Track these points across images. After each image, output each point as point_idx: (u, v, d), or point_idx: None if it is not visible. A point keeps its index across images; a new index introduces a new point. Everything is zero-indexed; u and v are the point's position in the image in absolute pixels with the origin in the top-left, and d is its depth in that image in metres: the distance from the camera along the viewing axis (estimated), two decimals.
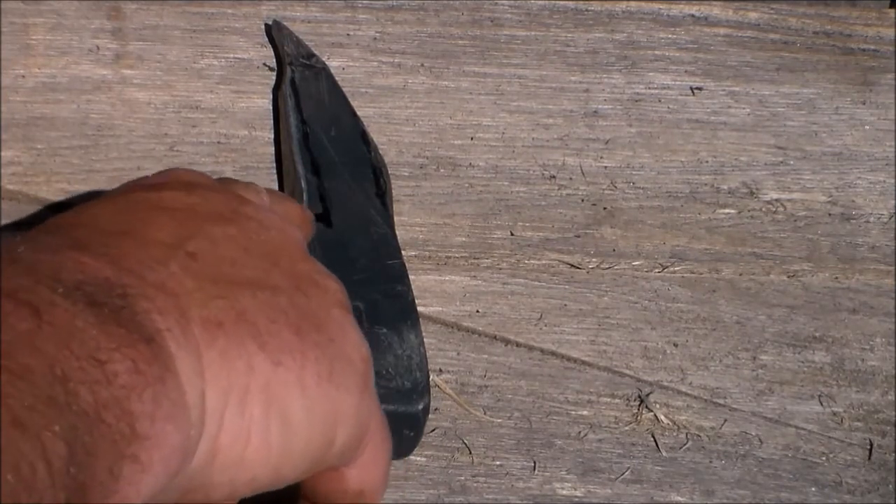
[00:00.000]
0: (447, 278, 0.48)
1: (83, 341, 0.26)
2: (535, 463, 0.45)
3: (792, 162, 0.53)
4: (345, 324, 0.33)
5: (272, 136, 0.49)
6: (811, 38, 0.55)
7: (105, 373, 0.26)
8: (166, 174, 0.35)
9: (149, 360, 0.27)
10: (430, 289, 0.47)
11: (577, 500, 0.44)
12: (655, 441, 0.46)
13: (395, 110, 0.51)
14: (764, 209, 0.51)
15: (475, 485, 0.44)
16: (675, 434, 0.46)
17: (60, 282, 0.27)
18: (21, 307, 0.26)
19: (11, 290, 0.26)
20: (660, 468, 0.45)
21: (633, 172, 0.51)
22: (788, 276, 0.50)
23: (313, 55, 0.50)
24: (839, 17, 0.56)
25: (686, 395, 0.47)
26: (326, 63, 0.50)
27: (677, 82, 0.53)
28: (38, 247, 0.29)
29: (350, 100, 0.49)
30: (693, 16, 0.55)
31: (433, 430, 0.45)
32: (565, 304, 0.48)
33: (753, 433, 0.47)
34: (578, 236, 0.50)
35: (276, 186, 0.48)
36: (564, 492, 0.44)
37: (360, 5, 0.52)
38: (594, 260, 0.49)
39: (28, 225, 0.46)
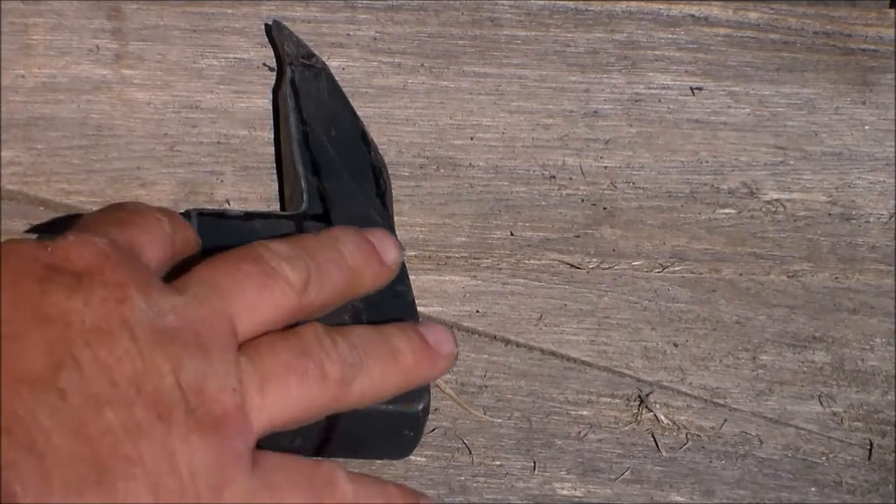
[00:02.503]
0: (447, 278, 0.48)
1: None
2: (535, 463, 0.45)
3: (792, 162, 0.53)
4: (198, 452, 0.33)
5: (272, 136, 0.49)
6: (811, 38, 0.56)
7: None
8: (62, 249, 0.34)
9: None
10: (430, 289, 0.47)
11: (577, 500, 0.44)
12: (655, 441, 0.46)
13: (395, 110, 0.51)
14: (764, 209, 0.51)
15: (475, 485, 0.44)
16: (675, 434, 0.46)
17: None
18: None
19: None
20: (660, 468, 0.45)
21: (633, 172, 0.51)
22: (788, 276, 0.50)
23: (313, 55, 0.50)
24: (839, 17, 0.56)
25: (686, 395, 0.47)
26: (326, 63, 0.50)
27: (677, 82, 0.54)
28: None
29: (350, 100, 0.49)
30: (693, 16, 0.55)
31: (433, 430, 0.45)
32: (565, 304, 0.48)
33: (753, 433, 0.47)
34: (578, 236, 0.50)
35: (276, 186, 0.48)
36: (564, 492, 0.44)
37: (360, 5, 0.52)
38: (594, 260, 0.49)
39: (28, 225, 0.46)
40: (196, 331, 0.34)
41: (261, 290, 0.36)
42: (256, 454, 0.35)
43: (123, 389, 0.32)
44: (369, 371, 0.37)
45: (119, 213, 0.38)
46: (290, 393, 0.36)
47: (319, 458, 0.37)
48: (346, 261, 0.39)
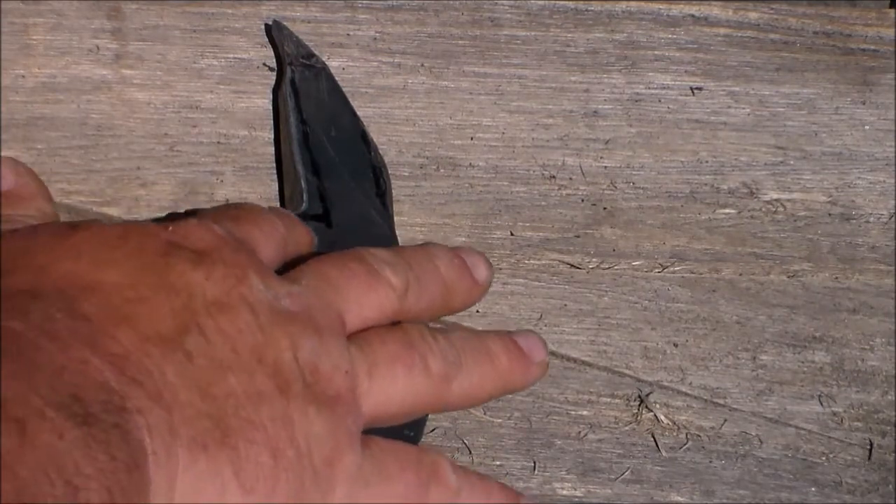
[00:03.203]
0: None
1: (62, 465, 0.26)
2: (535, 463, 0.45)
3: (792, 162, 0.53)
4: (315, 424, 0.34)
5: (272, 136, 0.49)
6: (811, 38, 0.55)
7: (77, 499, 0.26)
8: (183, 229, 0.35)
9: (125, 489, 0.27)
10: None
11: (577, 500, 0.44)
12: (655, 441, 0.46)
13: (395, 110, 0.51)
14: (764, 209, 0.51)
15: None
16: (675, 434, 0.46)
17: (56, 390, 0.28)
18: (7, 422, 0.26)
19: (2, 401, 0.26)
20: (660, 468, 0.45)
21: (633, 172, 0.51)
22: (788, 276, 0.50)
23: (313, 55, 0.50)
24: (839, 17, 0.56)
25: (686, 395, 0.47)
26: (326, 63, 0.50)
27: (677, 82, 0.54)
28: (49, 330, 0.29)
29: (350, 100, 0.49)
30: (693, 16, 0.55)
31: (433, 430, 0.45)
32: (565, 304, 0.48)
33: (753, 433, 0.47)
34: (578, 236, 0.50)
35: (276, 187, 0.48)
36: (564, 492, 0.44)
37: (360, 5, 0.52)
38: (594, 260, 0.49)
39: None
40: (311, 315, 0.35)
41: (367, 290, 0.38)
42: (365, 437, 0.36)
43: (245, 358, 0.33)
44: (469, 371, 0.38)
45: (235, 211, 0.39)
46: (396, 383, 0.37)
47: (426, 446, 0.38)
48: (441, 275, 0.40)
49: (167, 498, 0.29)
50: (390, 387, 0.36)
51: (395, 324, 0.39)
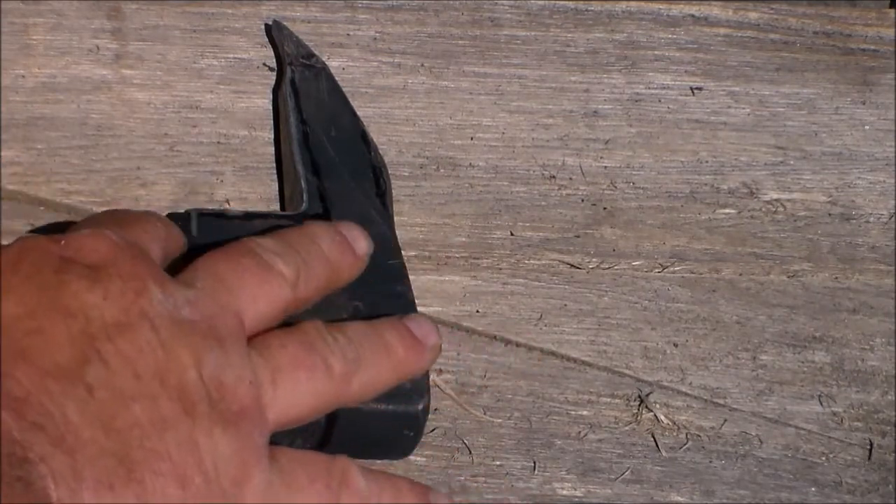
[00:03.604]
0: (447, 278, 0.48)
1: None
2: (535, 463, 0.45)
3: (792, 162, 0.53)
4: (221, 445, 0.33)
5: (272, 136, 0.49)
6: (811, 38, 0.56)
7: None
8: (76, 241, 0.34)
9: None
10: (430, 289, 0.47)
11: (577, 500, 0.44)
12: (655, 441, 0.46)
13: (395, 110, 0.51)
14: (764, 209, 0.51)
15: (475, 485, 0.44)
16: (675, 434, 0.46)
17: None
18: None
19: None
20: (660, 468, 0.45)
21: (633, 172, 0.51)
22: (788, 276, 0.50)
23: (313, 55, 0.50)
24: (839, 17, 0.56)
25: (686, 395, 0.47)
26: (326, 63, 0.50)
27: (677, 82, 0.54)
28: None
29: (350, 100, 0.49)
30: (693, 16, 0.55)
31: (433, 430, 0.45)
32: (565, 304, 0.48)
33: (753, 433, 0.47)
34: (578, 236, 0.50)
35: (276, 186, 0.48)
36: (564, 492, 0.44)
37: (360, 5, 0.52)
38: (594, 260, 0.49)
39: (28, 225, 0.46)
40: (211, 324, 0.35)
41: (261, 284, 0.37)
42: (272, 449, 0.35)
43: (147, 382, 0.32)
44: (367, 366, 0.38)
45: (118, 215, 0.38)
46: (299, 387, 0.36)
47: (333, 454, 0.37)
48: (325, 255, 0.40)
49: None
50: (294, 392, 0.36)
51: (288, 322, 0.38)
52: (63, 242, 0.34)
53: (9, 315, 0.32)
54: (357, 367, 0.38)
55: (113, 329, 0.32)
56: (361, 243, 0.41)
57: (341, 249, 0.41)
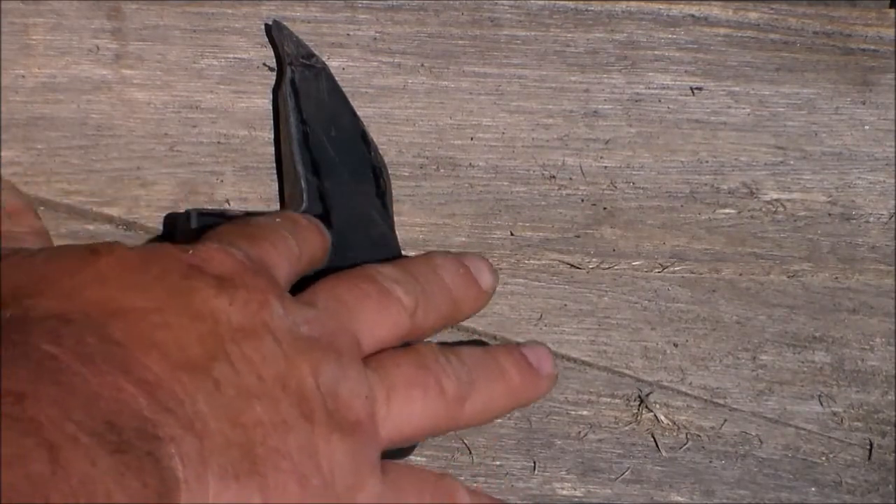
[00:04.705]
0: None
1: (94, 493, 0.26)
2: (534, 463, 0.45)
3: (792, 162, 0.53)
4: (338, 452, 0.34)
5: (272, 136, 0.49)
6: (811, 38, 0.56)
7: None
8: (203, 253, 0.35)
9: None
10: None
11: (577, 500, 0.44)
12: (655, 441, 0.46)
13: (395, 110, 0.51)
14: (764, 209, 0.51)
15: (475, 485, 0.44)
16: (675, 434, 0.46)
17: (91, 417, 0.28)
18: (40, 448, 0.26)
19: (36, 427, 0.26)
20: (660, 468, 0.45)
21: (633, 172, 0.51)
22: (788, 276, 0.50)
23: (313, 55, 0.50)
24: (839, 17, 0.56)
25: (686, 395, 0.47)
26: (326, 63, 0.50)
27: (677, 82, 0.54)
28: (83, 355, 0.29)
29: (350, 100, 0.49)
30: (693, 16, 0.55)
31: None
32: (565, 304, 0.48)
33: (753, 433, 0.47)
34: (578, 236, 0.50)
35: (276, 186, 0.48)
36: (564, 492, 0.44)
37: (360, 5, 0.52)
38: (594, 260, 0.49)
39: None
40: (329, 340, 0.36)
41: (379, 310, 0.38)
42: (384, 463, 0.36)
43: (270, 386, 0.33)
44: (481, 390, 0.39)
45: (251, 229, 0.39)
46: (413, 406, 0.37)
47: (442, 472, 0.38)
48: (447, 286, 0.40)
49: None
50: (407, 410, 0.37)
51: (406, 344, 0.39)
52: (191, 252, 0.35)
53: (138, 308, 0.32)
54: (470, 390, 0.38)
55: (238, 333, 0.33)
56: (486, 276, 0.42)
57: (465, 282, 0.41)
